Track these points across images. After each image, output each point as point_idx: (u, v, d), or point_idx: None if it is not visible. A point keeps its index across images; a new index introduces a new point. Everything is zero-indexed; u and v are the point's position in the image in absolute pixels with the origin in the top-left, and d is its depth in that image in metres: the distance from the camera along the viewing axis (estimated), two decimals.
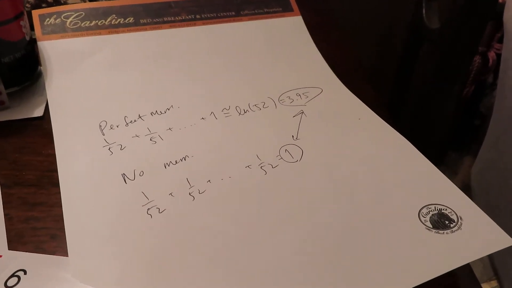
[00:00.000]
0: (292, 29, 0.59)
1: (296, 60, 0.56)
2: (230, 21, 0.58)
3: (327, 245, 0.34)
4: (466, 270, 0.35)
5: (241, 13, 0.58)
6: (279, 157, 0.41)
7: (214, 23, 0.57)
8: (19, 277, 0.31)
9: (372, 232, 0.35)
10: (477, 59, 0.87)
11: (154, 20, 0.55)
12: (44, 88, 0.48)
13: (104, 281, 0.31)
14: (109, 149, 0.41)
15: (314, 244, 0.34)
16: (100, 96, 0.47)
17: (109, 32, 0.53)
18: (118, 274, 0.32)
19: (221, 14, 0.58)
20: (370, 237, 0.35)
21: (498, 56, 0.84)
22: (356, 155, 0.42)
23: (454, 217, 0.36)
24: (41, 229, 0.35)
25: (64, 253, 0.33)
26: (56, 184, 0.38)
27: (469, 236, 0.34)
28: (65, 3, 0.57)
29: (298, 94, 0.50)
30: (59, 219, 0.35)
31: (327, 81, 0.52)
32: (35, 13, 0.52)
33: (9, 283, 0.30)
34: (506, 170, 0.61)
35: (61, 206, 0.36)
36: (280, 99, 0.49)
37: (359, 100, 0.49)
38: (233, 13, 0.58)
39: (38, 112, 0.46)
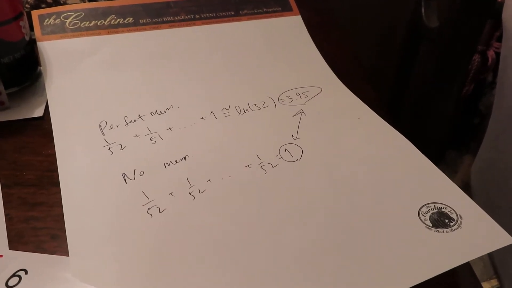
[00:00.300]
0: (291, 28, 0.59)
1: (296, 60, 0.56)
2: (229, 21, 0.58)
3: (327, 244, 0.34)
4: (466, 269, 0.35)
5: (240, 12, 0.58)
6: (279, 156, 0.41)
7: (213, 23, 0.57)
8: (20, 277, 0.31)
9: (372, 231, 0.35)
10: (476, 58, 0.87)
11: (154, 20, 0.55)
12: (44, 88, 0.48)
13: (105, 281, 0.31)
14: (109, 149, 0.41)
15: (314, 244, 0.34)
16: (100, 96, 0.47)
17: (108, 32, 0.53)
18: (118, 274, 0.32)
19: (220, 14, 0.58)
20: (370, 236, 0.35)
21: (497, 54, 0.84)
22: (356, 154, 0.42)
23: (454, 216, 0.36)
24: (41, 229, 0.35)
25: (65, 252, 0.33)
26: (56, 184, 0.38)
27: (469, 235, 0.34)
28: (65, 4, 0.57)
29: (297, 94, 0.50)
30: (59, 219, 0.35)
31: (327, 81, 0.52)
32: (35, 14, 0.52)
33: (10, 283, 0.31)
34: (505, 169, 0.61)
35: (62, 206, 0.36)
36: (279, 99, 0.49)
37: (359, 99, 0.49)
38: (232, 12, 0.58)
39: (38, 112, 0.46)
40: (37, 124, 0.45)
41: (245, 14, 0.58)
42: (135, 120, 0.44)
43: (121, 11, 0.54)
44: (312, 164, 0.41)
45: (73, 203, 0.36)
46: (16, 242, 0.34)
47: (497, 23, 0.80)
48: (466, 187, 0.37)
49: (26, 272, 0.31)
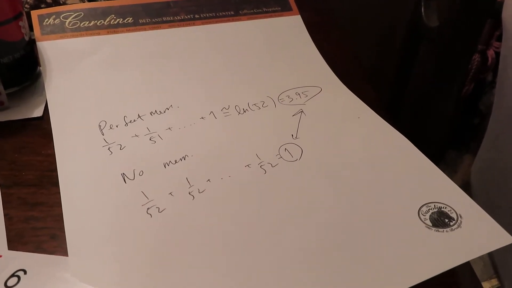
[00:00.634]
0: (291, 28, 0.59)
1: (295, 59, 0.56)
2: (229, 21, 0.58)
3: (326, 244, 0.34)
4: (466, 269, 0.35)
5: (240, 12, 0.58)
6: (279, 156, 0.41)
7: (213, 22, 0.57)
8: (19, 277, 0.31)
9: (371, 230, 0.35)
10: (476, 57, 0.87)
11: (153, 20, 0.55)
12: (43, 88, 0.48)
13: (104, 281, 0.31)
14: (108, 148, 0.41)
15: (314, 244, 0.34)
16: (99, 96, 0.47)
17: (108, 32, 0.53)
18: (118, 274, 0.32)
19: (220, 13, 0.58)
20: (369, 236, 0.35)
21: (497, 54, 0.84)
22: (355, 154, 0.42)
23: (454, 215, 0.36)
24: (41, 229, 0.35)
25: (64, 253, 0.33)
26: (56, 184, 0.38)
27: (469, 234, 0.34)
28: (64, 4, 0.57)
29: (297, 93, 0.50)
30: (59, 219, 0.35)
31: (326, 80, 0.52)
32: (34, 14, 0.52)
33: (9, 283, 0.30)
34: (505, 169, 0.61)
35: (61, 206, 0.36)
36: (279, 98, 0.49)
37: (359, 99, 0.49)
38: (232, 12, 0.58)
39: (38, 112, 0.46)
40: (37, 124, 0.45)
41: (245, 14, 0.58)
42: (134, 120, 0.44)
43: (121, 11, 0.54)
44: (312, 164, 0.41)
45: (72, 203, 0.36)
46: (15, 242, 0.34)
47: (497, 22, 0.80)
48: (466, 187, 0.37)
49: (25, 272, 0.31)
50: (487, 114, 0.83)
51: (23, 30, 0.46)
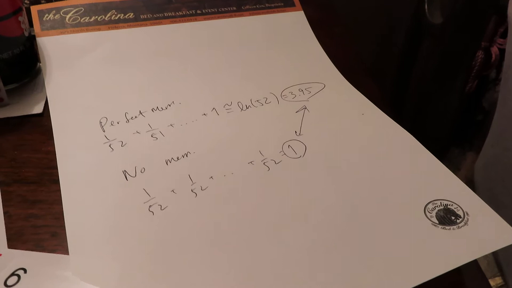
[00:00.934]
0: (294, 24, 0.59)
1: (298, 56, 0.55)
2: (231, 16, 0.57)
3: (331, 242, 0.33)
4: (473, 266, 0.35)
5: (242, 8, 0.58)
6: (282, 152, 0.41)
7: (215, 18, 0.56)
8: (19, 276, 0.30)
9: (376, 228, 0.34)
10: (480, 54, 0.86)
11: (155, 16, 0.54)
12: (43, 85, 0.47)
13: (106, 280, 0.31)
14: (109, 145, 0.41)
15: (318, 241, 0.33)
16: (100, 92, 0.47)
17: (109, 27, 0.52)
18: (119, 272, 0.31)
19: (222, 9, 0.57)
20: (374, 234, 0.34)
21: (501, 51, 0.83)
22: (360, 151, 0.42)
23: (460, 213, 0.35)
24: (41, 227, 0.34)
25: (65, 251, 0.32)
26: (56, 181, 0.37)
27: (476, 232, 0.34)
28: None
29: (300, 90, 0.49)
30: (59, 216, 0.35)
31: (330, 77, 0.52)
32: (34, 9, 0.51)
33: (9, 282, 0.30)
34: (510, 165, 0.61)
35: (61, 203, 0.35)
36: (282, 95, 0.48)
37: (362, 95, 0.49)
38: (234, 8, 0.58)
39: (38, 109, 0.45)
40: (37, 120, 0.44)
41: (247, 10, 0.58)
42: (136, 117, 0.44)
43: (122, 6, 0.53)
44: (316, 161, 0.40)
45: (73, 200, 0.36)
46: (15, 240, 0.33)
47: (501, 19, 0.79)
48: (469, 184, 0.37)
49: (25, 271, 0.31)
50: (490, 111, 0.82)
51: (22, 26, 0.46)
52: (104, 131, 0.42)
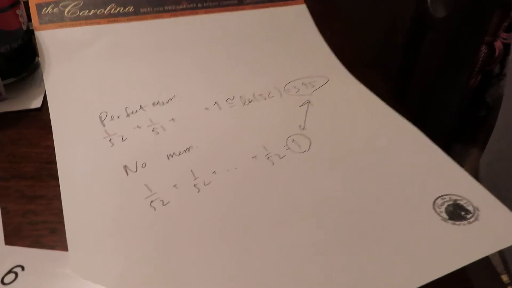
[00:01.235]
0: (296, 17, 0.58)
1: (301, 49, 0.54)
2: (232, 10, 0.56)
3: (337, 239, 0.32)
4: (484, 263, 0.34)
5: (244, 1, 0.57)
6: (287, 147, 0.40)
7: (216, 11, 0.55)
8: (16, 274, 0.30)
9: (385, 224, 0.34)
10: (483, 49, 0.85)
11: (155, 9, 0.53)
12: (42, 79, 0.47)
13: (106, 277, 0.30)
14: (109, 140, 0.40)
15: (324, 238, 0.32)
16: (99, 86, 0.46)
17: (108, 21, 0.51)
18: (120, 269, 0.30)
19: (224, 2, 0.56)
20: (382, 230, 0.33)
21: (505, 46, 0.82)
22: (366, 145, 0.41)
23: (470, 208, 0.34)
24: (39, 223, 0.34)
25: (64, 248, 0.31)
26: (54, 176, 0.36)
27: (487, 228, 0.33)
28: None
29: (304, 84, 0.48)
30: (58, 212, 0.34)
31: (334, 70, 0.51)
32: (32, 2, 0.50)
33: (6, 280, 0.29)
34: None
35: (60, 199, 0.35)
36: (285, 89, 0.47)
37: (367, 89, 0.48)
38: (236, 1, 0.57)
39: (36, 104, 0.45)
40: (35, 115, 0.44)
41: (249, 3, 0.57)
42: (136, 111, 0.43)
43: (122, 0, 0.52)
44: (321, 155, 0.39)
45: (72, 196, 0.35)
46: (13, 236, 0.32)
47: (506, 13, 0.78)
48: None
49: (23, 268, 0.30)
50: (494, 106, 0.81)
51: (20, 19, 0.45)
52: (104, 126, 0.41)
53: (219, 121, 0.43)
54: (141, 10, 0.53)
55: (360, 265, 0.31)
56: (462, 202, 0.35)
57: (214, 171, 0.37)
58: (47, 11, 0.50)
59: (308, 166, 0.38)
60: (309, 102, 0.46)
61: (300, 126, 0.42)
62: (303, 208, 0.35)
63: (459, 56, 0.81)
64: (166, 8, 0.54)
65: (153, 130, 0.41)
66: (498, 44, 0.84)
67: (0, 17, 0.43)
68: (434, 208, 0.34)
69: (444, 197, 0.35)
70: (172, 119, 0.42)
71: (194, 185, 0.36)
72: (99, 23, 0.51)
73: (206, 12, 0.55)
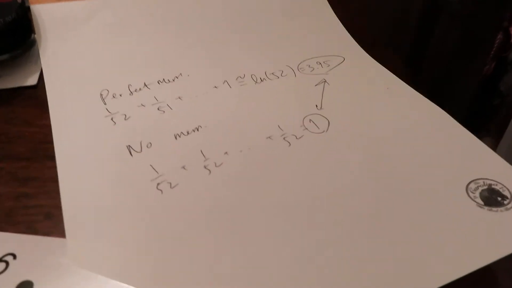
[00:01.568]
0: None
1: (315, 28, 0.51)
2: None
3: (362, 227, 0.29)
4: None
5: None
6: (303, 127, 0.37)
7: None
8: (7, 262, 0.27)
9: (415, 210, 0.30)
10: (499, 34, 0.82)
11: None
12: (38, 57, 0.44)
13: (107, 266, 0.27)
14: (111, 119, 0.37)
15: (348, 226, 0.29)
16: (100, 63, 0.43)
17: None
18: (123, 258, 0.28)
19: None
20: (412, 217, 0.30)
21: None
22: (389, 127, 0.38)
23: (506, 193, 0.31)
24: (33, 207, 0.31)
25: (61, 234, 0.29)
26: (51, 157, 0.34)
27: None
28: None
29: (318, 63, 0.45)
30: (54, 195, 0.31)
31: (349, 50, 0.48)
32: None
33: None
34: None
35: (57, 181, 0.32)
36: (299, 67, 0.44)
37: (386, 69, 0.45)
38: None
39: (32, 81, 0.42)
40: (30, 93, 0.41)
41: None
42: (140, 89, 0.40)
43: None
44: (342, 136, 0.36)
45: (70, 178, 0.32)
46: (3, 222, 0.30)
47: None
48: None
49: (14, 256, 0.27)
50: (508, 95, 0.79)
51: None
52: (105, 104, 0.38)
53: (229, 100, 0.40)
54: None
55: (387, 255, 0.28)
56: (497, 187, 0.32)
57: (226, 152, 0.34)
58: None
59: (328, 147, 0.35)
60: (325, 81, 0.43)
61: (316, 105, 0.39)
62: (323, 193, 0.32)
63: (475, 41, 0.78)
64: None
65: (158, 109, 0.38)
66: None
67: None
68: (467, 193, 0.31)
69: (477, 181, 0.32)
70: (179, 98, 0.39)
71: (205, 167, 0.33)
72: None
73: None
